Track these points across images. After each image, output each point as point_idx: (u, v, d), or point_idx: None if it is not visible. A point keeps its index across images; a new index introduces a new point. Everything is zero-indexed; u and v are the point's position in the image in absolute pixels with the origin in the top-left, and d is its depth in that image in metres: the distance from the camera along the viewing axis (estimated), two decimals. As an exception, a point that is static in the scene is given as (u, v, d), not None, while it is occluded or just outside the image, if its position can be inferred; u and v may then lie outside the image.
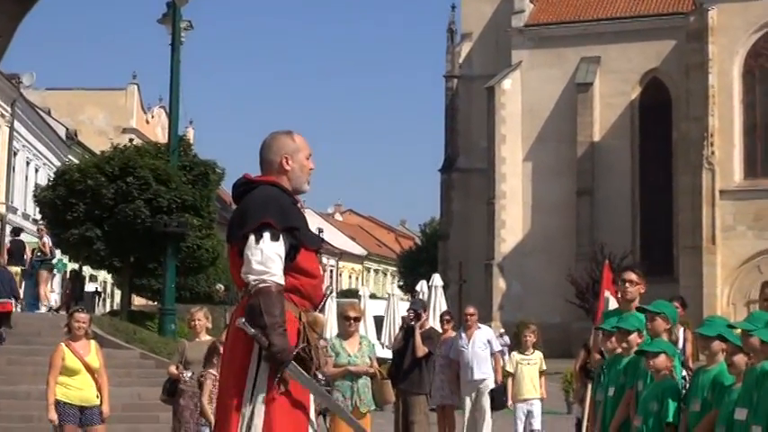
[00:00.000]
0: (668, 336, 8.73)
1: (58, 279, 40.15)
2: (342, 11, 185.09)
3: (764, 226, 50.82)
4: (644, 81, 59.34)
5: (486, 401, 15.23)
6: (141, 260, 29.69)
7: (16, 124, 45.61)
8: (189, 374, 12.01)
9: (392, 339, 22.56)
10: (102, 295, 51.61)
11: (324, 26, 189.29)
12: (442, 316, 17.29)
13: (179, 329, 24.36)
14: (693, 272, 50.13)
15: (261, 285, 5.33)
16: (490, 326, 21.47)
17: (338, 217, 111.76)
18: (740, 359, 7.22)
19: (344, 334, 12.04)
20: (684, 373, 9.10)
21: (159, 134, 61.71)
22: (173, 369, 12.39)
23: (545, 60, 60.69)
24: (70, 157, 48.87)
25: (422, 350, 14.50)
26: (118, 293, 45.91)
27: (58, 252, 31.56)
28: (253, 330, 5.32)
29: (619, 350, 8.88)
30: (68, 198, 28.09)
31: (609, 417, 8.75)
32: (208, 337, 12.42)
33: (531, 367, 15.17)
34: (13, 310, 26.74)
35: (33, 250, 30.40)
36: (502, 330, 43.84)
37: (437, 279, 26.47)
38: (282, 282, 5.39)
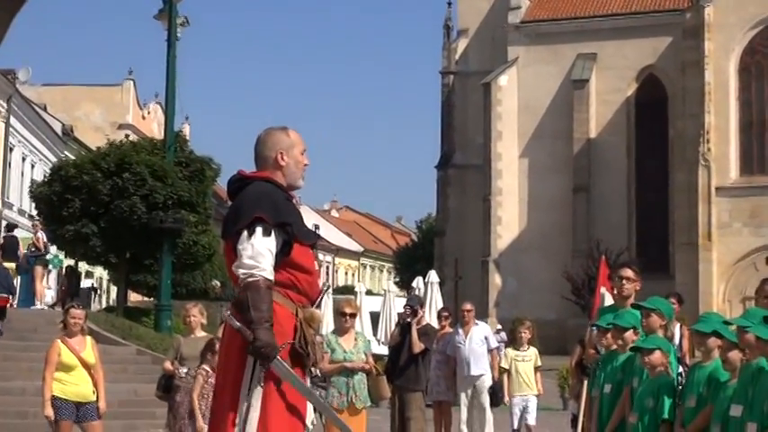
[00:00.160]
0: (664, 332, 8.73)
1: (53, 275, 40.13)
2: (338, 7, 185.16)
3: (760, 223, 50.89)
4: (640, 78, 59.34)
5: (486, 400, 15.23)
6: (137, 256, 29.66)
7: (12, 120, 45.56)
8: (185, 370, 12.01)
9: (388, 336, 22.57)
10: (98, 291, 51.60)
11: (320, 22, 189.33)
12: (439, 312, 17.30)
13: (175, 325, 24.34)
14: (689, 269, 50.19)
15: (249, 280, 5.36)
16: (486, 322, 21.45)
17: (334, 213, 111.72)
18: (735, 355, 7.23)
19: (340, 330, 12.04)
20: (681, 369, 9.11)
21: (155, 130, 61.63)
22: (168, 365, 12.39)
23: (541, 57, 60.68)
24: (66, 152, 48.79)
25: (418, 346, 14.50)
26: (114, 290, 45.91)
27: (53, 248, 31.53)
28: (238, 324, 5.36)
29: (614, 347, 8.89)
30: (64, 194, 28.06)
31: (605, 413, 8.75)
32: (203, 334, 12.43)
33: (525, 363, 15.17)
34: (9, 305, 26.78)
35: (28, 246, 30.37)
36: (499, 327, 43.87)
37: (433, 275, 26.45)
38: (272, 277, 5.40)
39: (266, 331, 5.30)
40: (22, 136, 47.53)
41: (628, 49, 58.67)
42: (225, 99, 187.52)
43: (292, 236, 5.53)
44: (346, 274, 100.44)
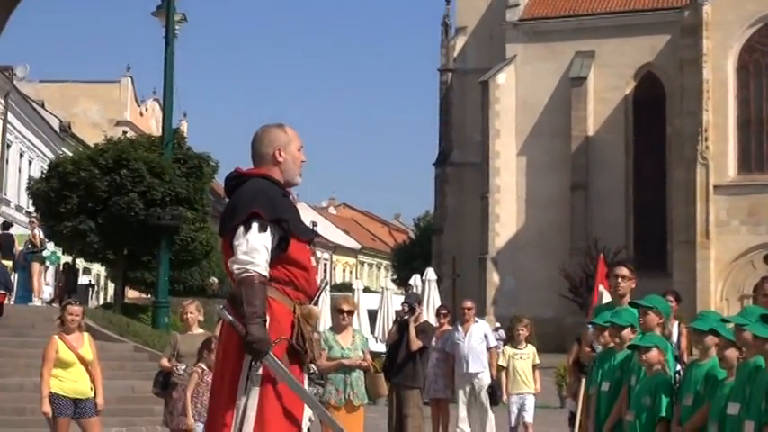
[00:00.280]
0: (661, 330, 8.73)
1: (51, 272, 40.10)
2: (337, 5, 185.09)
3: (758, 221, 50.92)
4: (638, 76, 59.35)
5: (486, 399, 15.22)
6: (135, 253, 29.65)
7: (10, 116, 45.53)
8: (183, 367, 12.01)
9: (386, 333, 22.58)
10: (96, 288, 51.55)
11: (318, 20, 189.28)
12: (438, 310, 17.30)
13: (172, 322, 24.33)
14: (687, 267, 50.21)
15: (243, 275, 5.38)
16: (483, 320, 21.45)
17: (332, 211, 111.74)
18: (731, 353, 7.23)
19: (337, 327, 12.05)
20: (679, 367, 9.11)
21: (153, 127, 61.62)
22: (165, 362, 12.39)
23: (539, 55, 60.68)
24: (64, 149, 48.78)
25: (416, 344, 14.50)
26: (111, 286, 45.91)
27: (50, 244, 31.51)
28: (230, 318, 5.37)
29: (611, 344, 8.89)
30: (62, 190, 28.04)
31: (603, 411, 8.74)
32: (200, 331, 12.43)
33: (523, 361, 15.15)
34: (6, 301, 26.75)
35: (25, 242, 30.34)
36: (497, 324, 43.85)
37: (431, 273, 26.47)
38: (266, 273, 5.42)
39: (258, 326, 5.31)
40: (19, 132, 47.50)
41: (626, 47, 58.67)
42: (223, 96, 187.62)
43: (288, 232, 5.54)
44: (344, 271, 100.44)
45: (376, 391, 13.37)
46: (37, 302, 28.80)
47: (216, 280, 41.16)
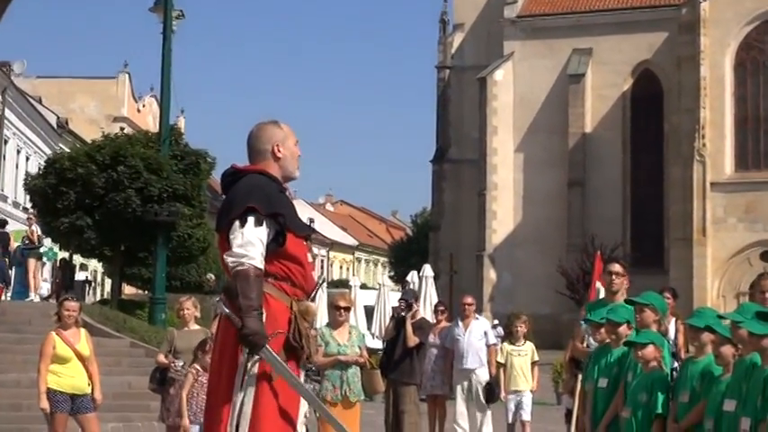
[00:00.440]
0: (657, 327, 8.74)
1: (48, 268, 40.09)
2: (335, 1, 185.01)
3: (755, 218, 50.93)
4: (636, 73, 59.37)
5: (482, 395, 15.21)
6: (132, 249, 29.63)
7: (7, 112, 45.48)
8: (180, 363, 12.01)
9: (382, 330, 22.59)
10: (93, 284, 51.51)
11: (315, 17, 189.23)
12: (436, 306, 17.30)
13: (169, 318, 24.33)
14: (684, 264, 50.21)
15: (238, 268, 5.39)
16: (482, 317, 21.45)
17: (329, 207, 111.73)
18: (727, 350, 7.24)
19: (334, 323, 12.06)
20: (676, 364, 9.12)
21: (150, 123, 61.56)
22: (161, 358, 12.39)
23: (537, 51, 60.69)
24: (61, 145, 48.73)
25: (413, 340, 14.51)
26: (108, 282, 45.87)
27: (48, 241, 31.50)
28: (227, 311, 5.37)
29: (607, 341, 8.90)
30: (59, 186, 28.01)
31: (601, 408, 8.74)
32: (197, 327, 12.43)
33: (521, 358, 15.15)
34: (3, 297, 26.74)
35: (22, 238, 30.34)
36: (495, 321, 43.89)
37: (428, 270, 26.47)
38: (261, 266, 5.43)
39: (255, 320, 5.32)
40: (16, 128, 47.46)
41: (623, 44, 58.69)
42: (220, 92, 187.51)
43: (285, 227, 5.55)
44: (341, 267, 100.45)
45: (372, 387, 13.39)
46: (35, 298, 28.78)
47: (213, 276, 41.10)
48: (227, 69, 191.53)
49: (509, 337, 16.27)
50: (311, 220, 73.45)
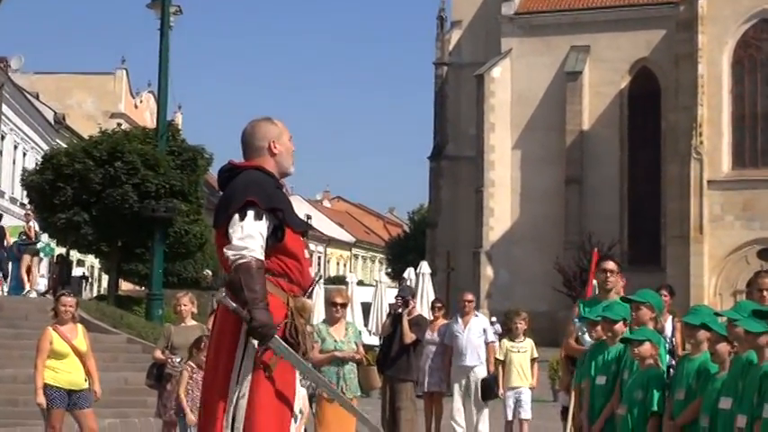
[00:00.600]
0: (654, 325, 8.75)
1: (45, 263, 40.09)
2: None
3: (752, 216, 50.93)
4: (633, 70, 59.37)
5: (479, 392, 15.22)
6: (129, 245, 29.63)
7: (4, 108, 45.42)
8: (177, 359, 12.02)
9: (379, 326, 22.60)
10: (90, 280, 51.51)
11: (313, 12, 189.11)
12: (433, 303, 17.29)
13: (166, 314, 24.33)
14: (681, 261, 50.22)
15: (240, 261, 5.38)
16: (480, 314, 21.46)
17: (327, 204, 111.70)
18: (723, 348, 7.26)
19: (331, 320, 12.05)
20: (673, 361, 9.13)
21: (147, 119, 61.56)
22: (158, 354, 12.40)
23: (535, 49, 60.68)
24: (58, 141, 48.71)
25: (409, 337, 14.51)
26: (105, 278, 45.85)
27: (45, 236, 31.48)
28: (234, 305, 5.35)
29: (604, 338, 8.90)
30: (56, 182, 28.01)
31: (599, 405, 8.74)
32: (193, 323, 12.45)
33: (521, 355, 15.16)
34: (0, 290, 26.72)
35: (19, 234, 30.34)
36: (493, 318, 43.91)
37: (425, 266, 26.47)
38: (262, 257, 5.41)
39: (262, 311, 5.31)
40: (14, 124, 47.43)
41: (621, 42, 58.69)
42: (217, 88, 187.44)
43: (283, 222, 5.56)
44: (338, 264, 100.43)
45: (369, 383, 13.38)
46: (31, 294, 28.76)
47: (210, 272, 41.13)
48: (225, 65, 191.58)
49: (508, 333, 16.28)
50: (308, 217, 73.40)
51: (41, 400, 11.35)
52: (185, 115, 68.72)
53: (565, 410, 10.54)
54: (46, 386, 11.36)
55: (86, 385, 11.61)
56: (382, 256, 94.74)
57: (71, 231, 28.42)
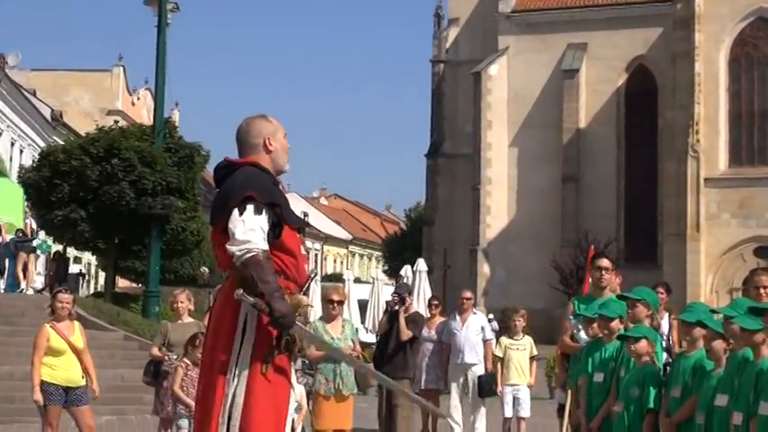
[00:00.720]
0: (650, 322, 8.76)
1: (42, 260, 40.07)
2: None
3: (749, 214, 50.95)
4: (630, 68, 59.34)
5: (475, 390, 15.21)
6: (126, 242, 29.64)
7: (1, 105, 45.40)
8: (174, 356, 12.03)
9: (376, 324, 22.59)
10: (86, 277, 51.52)
11: (310, 9, 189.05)
12: (430, 301, 17.30)
13: (163, 311, 24.34)
14: (677, 259, 50.21)
15: (247, 256, 5.35)
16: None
17: (323, 201, 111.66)
18: (719, 345, 7.27)
19: (327, 317, 12.06)
20: (669, 359, 9.14)
21: (144, 116, 61.51)
22: (155, 351, 12.41)
23: (532, 46, 60.65)
24: (55, 138, 48.66)
25: (406, 334, 14.52)
26: (102, 275, 45.86)
27: (42, 233, 31.48)
28: (252, 300, 5.32)
29: (600, 335, 8.91)
30: (53, 179, 28.01)
31: (596, 402, 8.74)
32: (190, 320, 12.46)
33: (519, 352, 15.17)
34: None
35: (16, 231, 30.32)
36: (491, 316, 43.92)
37: (421, 264, 26.46)
38: (267, 248, 5.41)
39: (281, 301, 5.31)
40: (11, 121, 47.38)
41: (618, 40, 58.65)
42: (214, 85, 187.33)
43: (281, 217, 5.56)
44: (335, 261, 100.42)
45: (365, 381, 13.39)
46: (27, 291, 28.75)
47: (207, 270, 41.13)
48: (222, 63, 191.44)
49: (507, 331, 16.28)
50: (305, 214, 73.45)
51: (38, 397, 11.35)
52: (182, 112, 68.80)
53: (561, 408, 10.54)
54: (43, 383, 11.35)
55: (83, 382, 11.61)
56: (379, 253, 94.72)
57: (68, 228, 28.43)
